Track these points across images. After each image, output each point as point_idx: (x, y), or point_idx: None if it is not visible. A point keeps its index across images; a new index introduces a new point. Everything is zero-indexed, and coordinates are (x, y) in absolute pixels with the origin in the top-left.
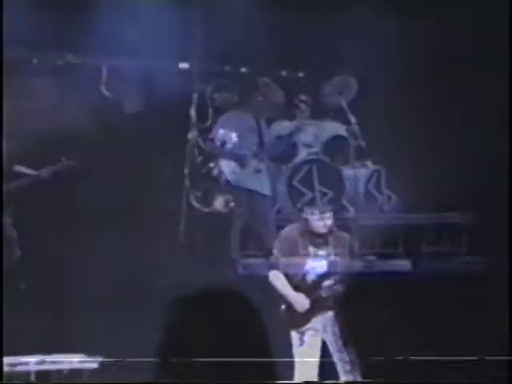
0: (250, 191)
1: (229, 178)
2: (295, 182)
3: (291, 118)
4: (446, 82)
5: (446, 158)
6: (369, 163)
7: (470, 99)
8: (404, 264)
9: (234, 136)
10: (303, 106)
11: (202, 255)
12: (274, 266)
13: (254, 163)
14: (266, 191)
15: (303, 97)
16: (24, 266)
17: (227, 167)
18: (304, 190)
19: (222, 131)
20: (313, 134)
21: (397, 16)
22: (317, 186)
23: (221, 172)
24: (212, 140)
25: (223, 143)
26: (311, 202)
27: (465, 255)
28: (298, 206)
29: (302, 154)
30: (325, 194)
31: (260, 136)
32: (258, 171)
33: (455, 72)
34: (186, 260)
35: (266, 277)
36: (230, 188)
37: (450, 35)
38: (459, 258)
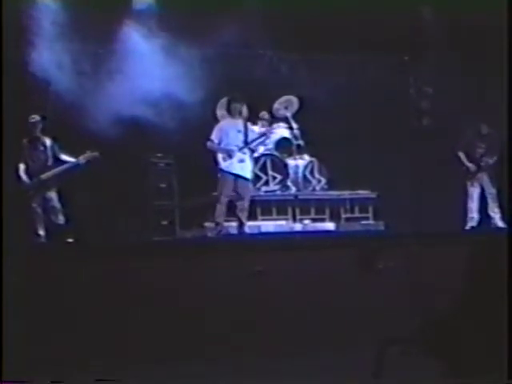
0: (235, 175)
1: (222, 166)
2: (255, 170)
3: (252, 123)
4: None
5: (360, 152)
6: (306, 156)
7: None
8: (329, 225)
9: (225, 137)
10: (265, 120)
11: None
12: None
13: (237, 155)
14: (248, 175)
15: (264, 113)
16: (68, 227)
17: (221, 158)
18: (261, 175)
19: (218, 134)
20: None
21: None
22: (270, 172)
23: (217, 162)
24: (212, 140)
25: (219, 142)
26: (266, 184)
27: (370, 219)
28: (257, 186)
29: (260, 150)
30: (275, 178)
31: (245, 135)
32: (242, 161)
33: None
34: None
35: (237, 234)
36: (222, 173)
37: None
38: (366, 222)
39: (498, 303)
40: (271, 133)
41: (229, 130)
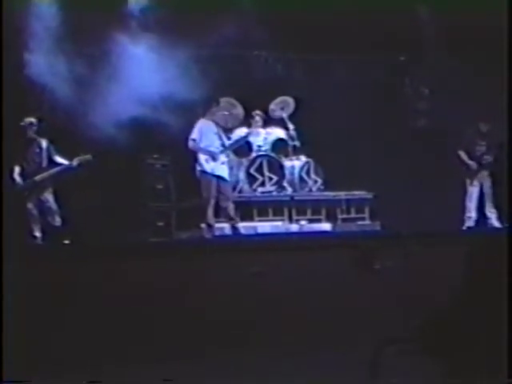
0: (218, 176)
1: (205, 168)
2: (251, 171)
3: (248, 125)
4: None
5: (356, 153)
6: (302, 157)
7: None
8: (326, 226)
9: (204, 138)
10: (257, 118)
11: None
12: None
13: (221, 157)
14: (227, 177)
15: (257, 111)
16: (64, 229)
17: (204, 160)
18: (257, 175)
19: (198, 135)
20: (263, 137)
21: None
22: (266, 173)
23: (198, 162)
24: (194, 140)
25: (198, 143)
26: (262, 184)
27: (366, 220)
28: (253, 187)
29: (256, 151)
30: (271, 179)
31: (220, 138)
32: (223, 163)
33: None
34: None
35: (230, 235)
36: (205, 175)
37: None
38: (362, 222)
39: (498, 303)
40: (253, 135)
41: (207, 131)
